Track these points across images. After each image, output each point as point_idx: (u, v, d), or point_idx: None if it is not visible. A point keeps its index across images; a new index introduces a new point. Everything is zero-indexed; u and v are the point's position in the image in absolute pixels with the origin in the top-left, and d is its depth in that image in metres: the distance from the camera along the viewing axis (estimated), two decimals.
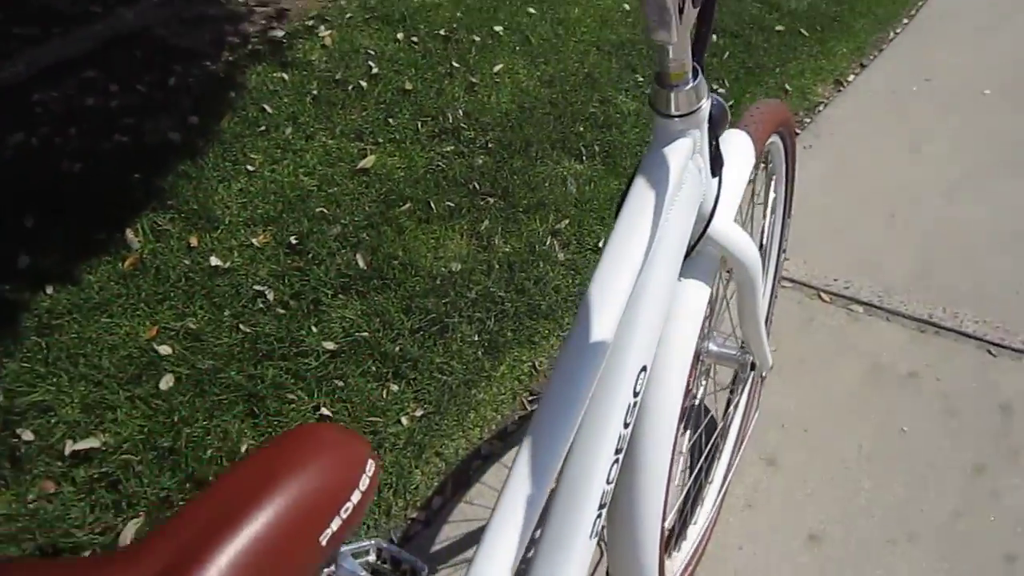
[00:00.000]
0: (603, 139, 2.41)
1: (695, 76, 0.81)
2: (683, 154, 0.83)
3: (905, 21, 3.07)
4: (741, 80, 2.66)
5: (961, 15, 3.10)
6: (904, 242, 2.16)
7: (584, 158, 2.35)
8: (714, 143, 0.91)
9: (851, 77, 2.80)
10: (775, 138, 1.33)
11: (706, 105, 0.83)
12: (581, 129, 2.43)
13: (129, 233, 1.92)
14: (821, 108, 2.67)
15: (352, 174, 2.17)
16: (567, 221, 2.14)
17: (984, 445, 1.64)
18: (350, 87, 2.42)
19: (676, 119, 0.82)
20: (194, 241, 1.93)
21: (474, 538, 1.53)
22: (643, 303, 0.82)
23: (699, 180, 0.88)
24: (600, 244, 2.10)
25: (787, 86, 2.68)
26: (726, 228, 0.98)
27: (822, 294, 2.03)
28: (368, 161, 2.19)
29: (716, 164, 0.93)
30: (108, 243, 1.89)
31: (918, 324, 1.92)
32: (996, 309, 1.94)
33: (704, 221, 0.93)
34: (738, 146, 1.09)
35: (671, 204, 0.82)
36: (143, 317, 1.78)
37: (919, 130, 2.56)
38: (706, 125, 0.86)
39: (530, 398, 1.82)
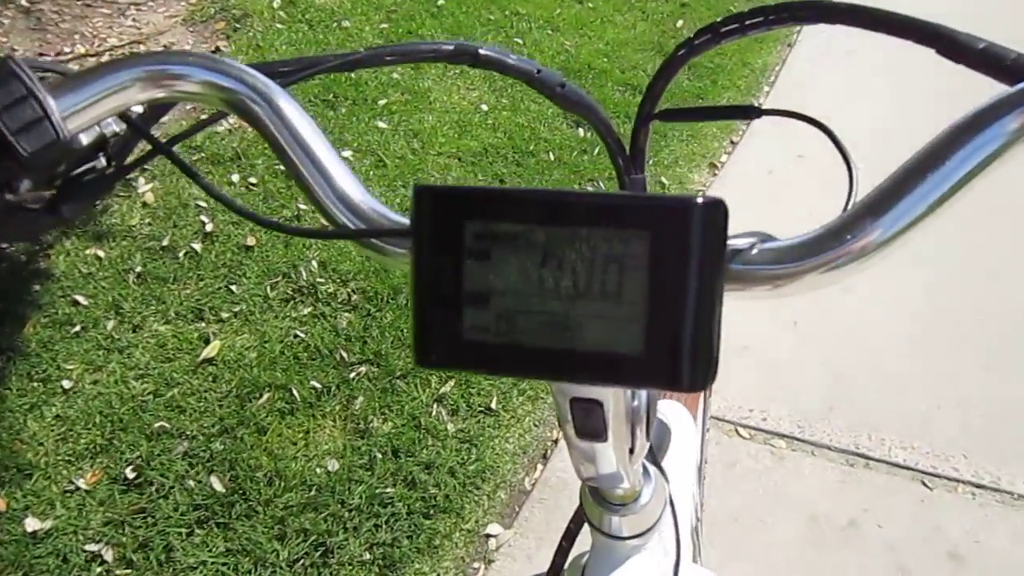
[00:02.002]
0: None
1: (648, 479, 0.58)
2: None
3: (766, 89, 3.01)
4: (616, 180, 2.50)
5: (818, 83, 3.07)
6: (813, 356, 2.03)
7: None
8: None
9: (724, 158, 2.70)
10: None
11: (667, 513, 0.61)
12: None
13: None
14: None
15: (194, 367, 1.84)
16: (452, 383, 1.90)
17: None
18: (181, 253, 2.09)
19: (626, 540, 0.59)
20: (1, 504, 1.56)
21: None
22: None
23: (661, 563, 0.65)
24: (492, 404, 1.87)
25: (663, 179, 2.54)
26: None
27: (740, 429, 1.86)
28: (212, 348, 1.88)
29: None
30: None
31: (845, 457, 1.78)
32: (920, 429, 1.83)
33: None
34: (678, 437, 0.87)
35: None
36: None
37: (801, 216, 2.46)
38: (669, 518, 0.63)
39: None
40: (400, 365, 1.92)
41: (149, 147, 0.49)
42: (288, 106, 0.46)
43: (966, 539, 1.60)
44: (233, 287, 2.03)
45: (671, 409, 0.89)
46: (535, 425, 1.89)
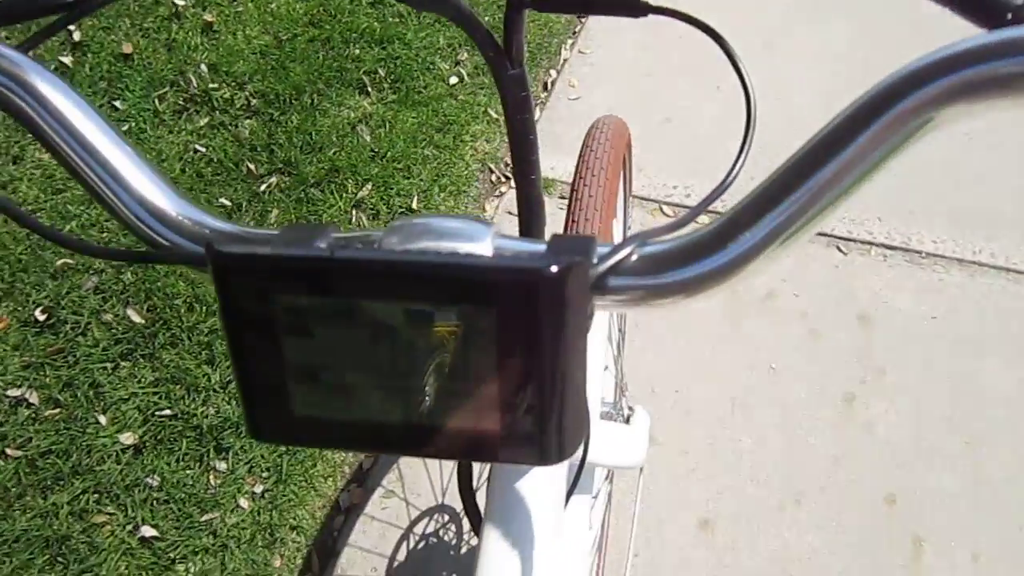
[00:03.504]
0: (386, 59, 2.03)
1: None
2: (551, 488, 0.59)
3: None
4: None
5: None
6: (736, 122, 1.98)
7: (370, 90, 1.98)
8: None
9: None
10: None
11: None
12: (357, 51, 2.03)
13: None
14: None
15: (87, 197, 1.73)
16: (369, 186, 1.83)
17: (850, 368, 1.59)
18: (51, 70, 1.89)
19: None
20: None
21: None
22: None
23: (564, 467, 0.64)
24: (413, 204, 1.82)
25: None
26: (601, 443, 0.75)
27: (664, 207, 1.86)
28: None
29: None
30: None
31: None
32: None
33: (577, 464, 0.70)
34: None
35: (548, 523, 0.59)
36: None
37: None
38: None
39: None
40: (313, 172, 1.83)
41: None
42: (48, 88, 0.36)
43: (875, 300, 1.67)
44: (117, 103, 1.87)
45: None
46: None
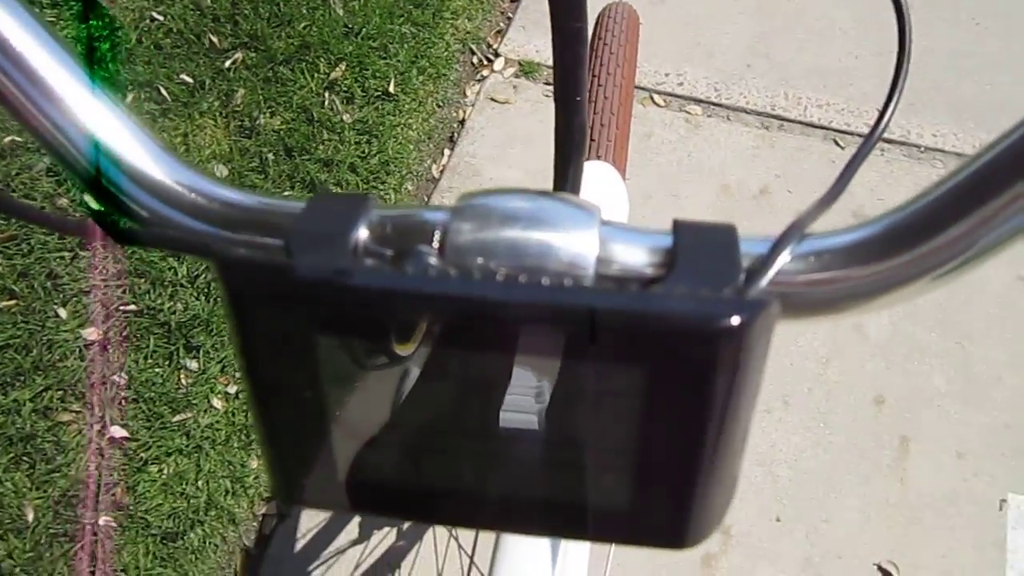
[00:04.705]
0: None
1: None
2: None
3: None
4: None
5: None
6: (732, 7, 1.87)
7: None
8: None
9: None
10: None
11: None
12: None
13: None
14: None
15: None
16: (343, 66, 1.69)
17: None
18: None
19: None
20: None
21: (339, 522, 1.37)
22: None
23: None
24: (391, 87, 1.70)
25: None
26: None
27: (655, 96, 1.76)
28: None
29: None
30: None
31: (761, 120, 1.71)
32: (838, 83, 1.75)
33: None
34: (606, 202, 0.74)
35: None
36: None
37: None
38: None
39: None
40: (281, 48, 1.69)
41: None
42: None
43: (870, 197, 1.61)
44: None
45: (597, 170, 0.77)
46: (439, 106, 1.75)
